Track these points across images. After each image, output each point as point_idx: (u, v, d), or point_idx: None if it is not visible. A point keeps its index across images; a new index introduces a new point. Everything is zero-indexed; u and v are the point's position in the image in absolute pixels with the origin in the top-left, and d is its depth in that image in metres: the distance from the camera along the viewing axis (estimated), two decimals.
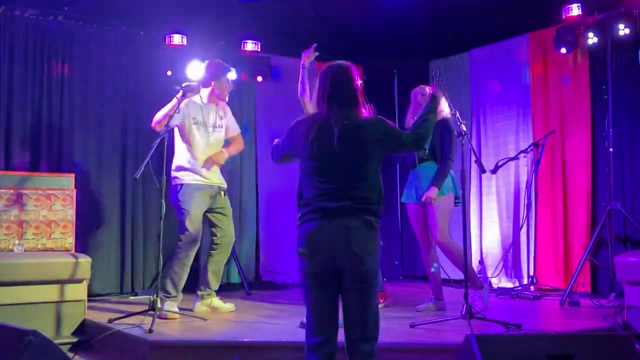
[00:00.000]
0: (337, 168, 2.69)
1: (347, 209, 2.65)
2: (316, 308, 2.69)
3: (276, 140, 2.98)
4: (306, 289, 2.71)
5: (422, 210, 4.85)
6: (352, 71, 2.84)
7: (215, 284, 4.90)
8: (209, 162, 4.79)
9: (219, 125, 4.91)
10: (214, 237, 4.91)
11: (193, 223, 4.69)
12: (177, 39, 6.15)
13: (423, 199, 4.71)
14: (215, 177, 4.87)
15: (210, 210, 4.86)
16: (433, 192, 4.67)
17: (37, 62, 5.76)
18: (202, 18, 6.18)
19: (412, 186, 4.92)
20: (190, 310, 4.76)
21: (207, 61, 5.04)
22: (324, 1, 6.20)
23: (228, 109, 5.04)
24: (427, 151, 4.78)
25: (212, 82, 4.86)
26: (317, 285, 2.68)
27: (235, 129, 5.06)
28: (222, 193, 4.91)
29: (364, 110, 2.81)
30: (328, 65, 2.85)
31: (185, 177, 4.75)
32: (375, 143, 2.73)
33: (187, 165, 4.77)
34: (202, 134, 4.81)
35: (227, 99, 4.95)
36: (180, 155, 4.81)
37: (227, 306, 4.88)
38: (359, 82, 2.83)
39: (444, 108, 4.75)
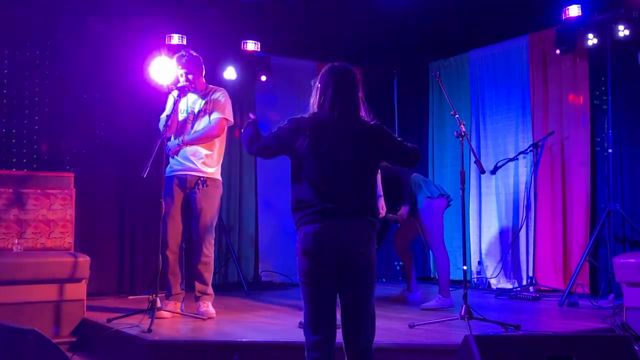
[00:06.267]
0: (342, 169, 2.70)
1: (353, 210, 2.68)
2: (317, 306, 2.70)
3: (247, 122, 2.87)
4: (306, 287, 2.71)
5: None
6: (353, 73, 2.86)
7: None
8: (170, 150, 4.71)
9: (201, 111, 4.74)
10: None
11: (166, 225, 4.63)
12: (176, 39, 6.15)
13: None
14: (185, 163, 4.66)
15: (185, 199, 4.70)
16: (405, 210, 5.21)
17: (37, 60, 5.77)
18: (202, 18, 6.19)
19: None
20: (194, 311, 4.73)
21: None
22: (324, 1, 6.21)
23: (218, 94, 4.78)
24: (393, 208, 5.29)
25: None
26: (319, 284, 2.68)
27: (213, 113, 4.70)
28: (201, 184, 4.64)
29: (363, 113, 2.83)
30: (329, 66, 2.85)
31: (168, 169, 4.73)
32: (375, 148, 2.76)
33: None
34: (180, 122, 4.74)
35: (179, 82, 4.69)
36: None
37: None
38: (359, 84, 2.85)
39: None
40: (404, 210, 5.17)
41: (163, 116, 4.75)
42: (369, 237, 2.69)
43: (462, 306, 4.12)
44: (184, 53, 4.77)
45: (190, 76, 4.71)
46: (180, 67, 4.72)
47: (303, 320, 2.77)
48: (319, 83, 2.83)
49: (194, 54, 4.81)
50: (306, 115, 2.84)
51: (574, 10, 5.74)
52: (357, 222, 2.67)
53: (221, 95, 4.79)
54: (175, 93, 4.66)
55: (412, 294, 5.60)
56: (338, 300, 2.74)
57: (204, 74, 4.86)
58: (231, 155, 6.80)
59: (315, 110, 2.82)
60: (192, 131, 4.72)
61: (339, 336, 2.74)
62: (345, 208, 2.67)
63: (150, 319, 4.08)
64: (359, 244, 2.65)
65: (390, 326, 4.14)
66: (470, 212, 6.90)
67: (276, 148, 2.82)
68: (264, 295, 6.05)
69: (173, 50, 5.54)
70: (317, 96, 2.83)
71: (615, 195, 5.67)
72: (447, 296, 5.08)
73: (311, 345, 2.70)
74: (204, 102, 4.77)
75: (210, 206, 4.69)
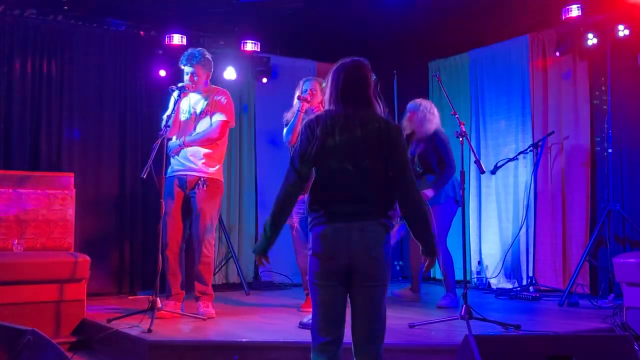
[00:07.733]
0: (353, 169, 2.63)
1: (364, 212, 2.62)
2: (326, 308, 2.66)
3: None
4: (316, 288, 2.67)
5: None
6: (366, 67, 2.78)
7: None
8: (172, 151, 4.73)
9: (203, 112, 4.73)
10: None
11: (166, 225, 4.63)
12: (176, 39, 6.14)
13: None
14: (186, 164, 4.68)
15: (186, 199, 4.71)
16: (430, 192, 5.10)
17: (37, 61, 5.77)
18: (202, 18, 6.19)
19: None
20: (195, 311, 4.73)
21: None
22: (324, 1, 6.20)
23: (221, 96, 4.78)
24: (420, 169, 5.23)
25: None
26: (329, 285, 2.65)
27: (215, 115, 4.71)
28: (201, 185, 4.65)
29: (378, 109, 2.75)
30: (341, 61, 2.78)
31: (169, 169, 4.74)
32: (386, 147, 2.66)
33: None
34: (182, 122, 4.75)
35: (187, 85, 4.68)
36: None
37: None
38: (373, 78, 2.77)
39: (434, 119, 5.28)
40: (429, 192, 5.10)
41: (164, 116, 4.75)
42: (380, 239, 2.62)
43: (462, 306, 4.12)
44: (196, 54, 4.76)
45: (195, 77, 4.72)
46: (188, 65, 4.71)
47: (311, 321, 2.74)
48: (329, 80, 2.76)
49: (208, 56, 4.80)
50: (319, 114, 2.79)
51: (574, 10, 5.74)
52: (368, 223, 2.61)
53: (223, 97, 4.79)
54: (176, 93, 4.66)
55: (415, 293, 5.63)
56: (348, 301, 2.70)
57: (209, 77, 4.86)
58: (231, 155, 6.80)
59: (326, 108, 2.76)
60: (194, 132, 4.73)
61: (346, 337, 2.72)
62: (356, 209, 2.61)
63: (150, 319, 4.08)
64: (368, 246, 2.60)
65: (390, 326, 4.09)
66: (470, 212, 6.90)
67: (309, 158, 2.66)
68: (264, 295, 6.05)
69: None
70: (328, 93, 2.76)
71: (615, 195, 5.67)
72: (455, 294, 5.17)
73: (318, 347, 2.66)
74: (206, 103, 4.76)
75: (211, 206, 4.69)
